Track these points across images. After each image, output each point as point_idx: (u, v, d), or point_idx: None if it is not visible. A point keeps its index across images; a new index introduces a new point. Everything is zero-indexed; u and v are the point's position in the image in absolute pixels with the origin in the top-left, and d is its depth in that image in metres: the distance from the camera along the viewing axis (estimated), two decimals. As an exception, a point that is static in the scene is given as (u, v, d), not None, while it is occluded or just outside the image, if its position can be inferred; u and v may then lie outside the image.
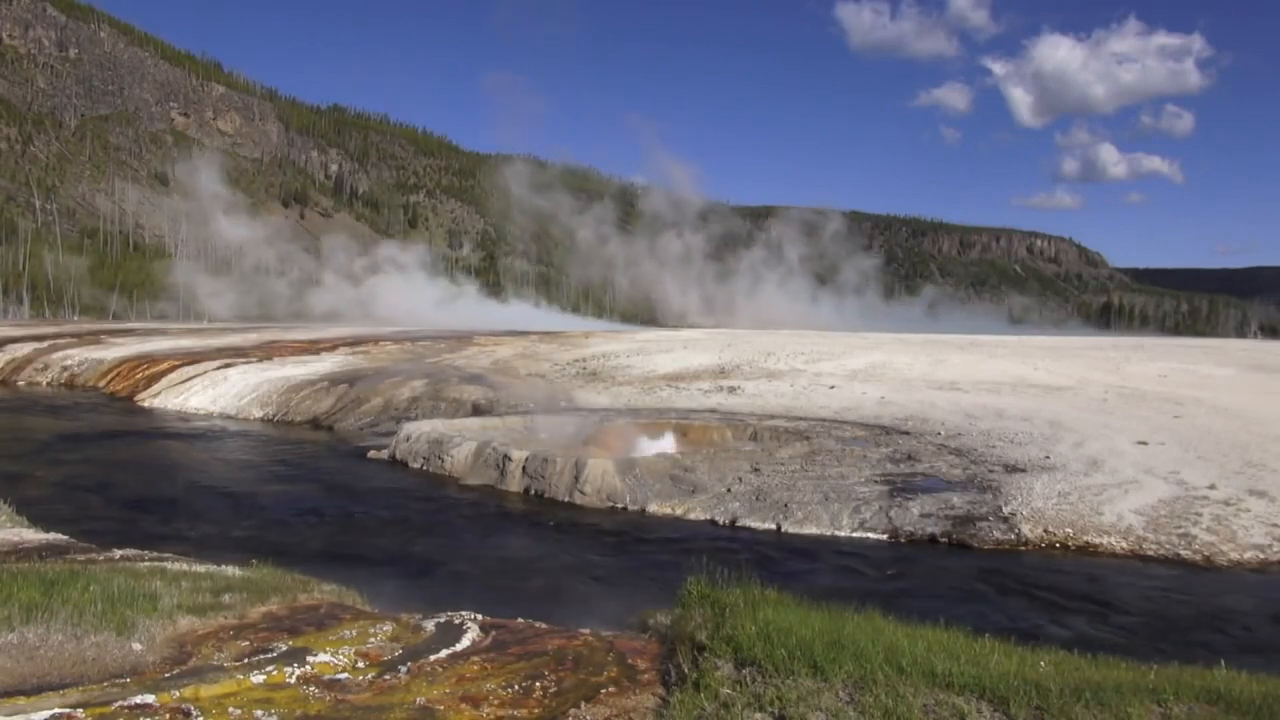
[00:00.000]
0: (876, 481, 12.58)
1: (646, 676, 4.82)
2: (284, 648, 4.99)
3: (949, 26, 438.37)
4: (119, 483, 14.34)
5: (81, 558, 7.73)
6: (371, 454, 16.70)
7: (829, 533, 10.99)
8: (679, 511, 12.02)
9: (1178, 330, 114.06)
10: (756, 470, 13.10)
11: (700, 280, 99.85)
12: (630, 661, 5.04)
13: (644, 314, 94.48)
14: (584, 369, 26.72)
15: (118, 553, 8.28)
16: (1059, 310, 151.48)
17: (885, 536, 10.81)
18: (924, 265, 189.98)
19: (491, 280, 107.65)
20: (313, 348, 34.05)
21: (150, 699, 4.08)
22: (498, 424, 17.04)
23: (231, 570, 7.24)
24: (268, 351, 32.18)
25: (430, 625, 5.62)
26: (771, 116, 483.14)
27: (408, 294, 78.44)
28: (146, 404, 25.04)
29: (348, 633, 5.41)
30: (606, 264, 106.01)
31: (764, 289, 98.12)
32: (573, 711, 4.29)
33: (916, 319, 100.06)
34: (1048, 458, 13.55)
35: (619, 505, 12.43)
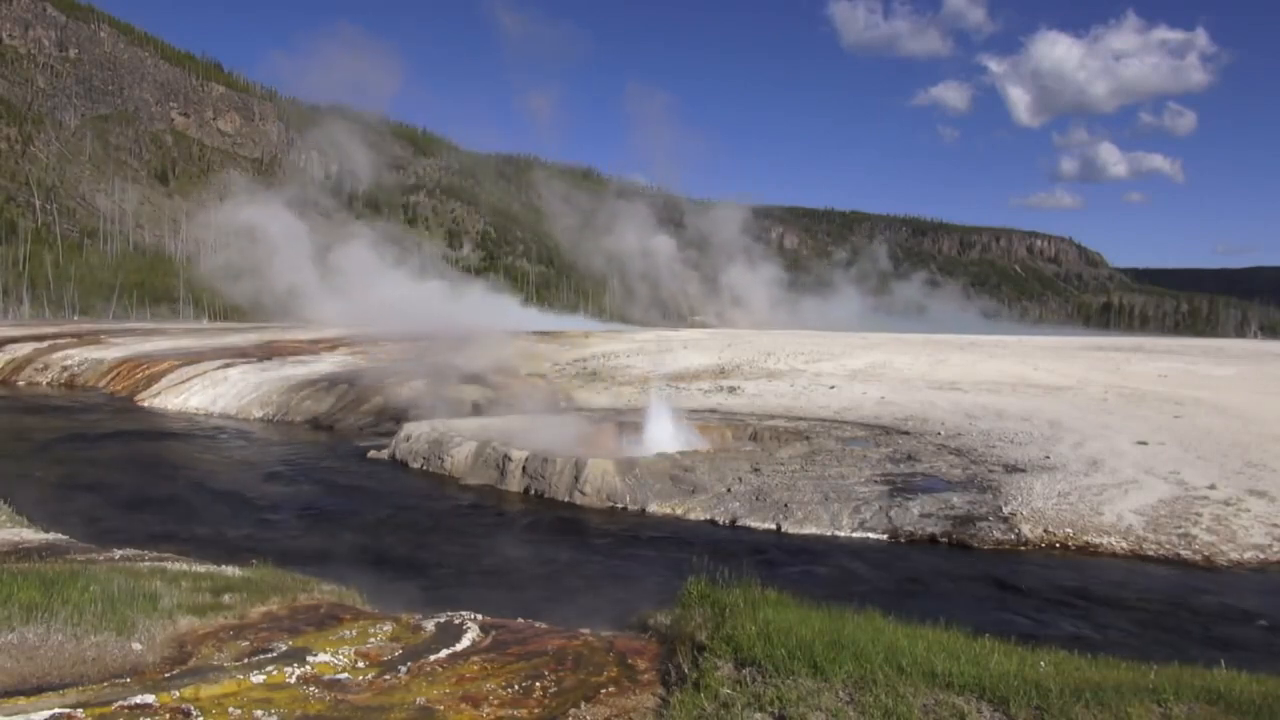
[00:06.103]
0: (876, 481, 12.57)
1: (646, 676, 4.81)
2: (284, 648, 4.98)
3: (944, 25, 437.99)
4: (119, 483, 14.34)
5: (81, 558, 7.72)
6: (371, 454, 16.70)
7: (829, 533, 10.98)
8: (679, 511, 12.02)
9: (1178, 330, 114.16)
10: (756, 470, 13.10)
11: (699, 280, 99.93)
12: (630, 661, 5.03)
13: (640, 314, 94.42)
14: (584, 369, 26.74)
15: (118, 553, 8.27)
16: (1059, 310, 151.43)
17: (885, 536, 10.81)
18: (924, 264, 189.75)
19: (492, 280, 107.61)
20: (312, 348, 34.04)
21: (150, 699, 4.08)
22: (497, 424, 17.04)
23: (231, 570, 7.23)
24: (267, 351, 32.16)
25: (430, 625, 5.62)
26: (768, 116, 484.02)
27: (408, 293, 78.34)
28: (147, 404, 25.02)
29: (348, 633, 5.40)
30: (607, 264, 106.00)
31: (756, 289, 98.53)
32: (573, 711, 4.28)
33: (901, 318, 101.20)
34: (1048, 458, 13.55)
35: (619, 505, 12.42)
